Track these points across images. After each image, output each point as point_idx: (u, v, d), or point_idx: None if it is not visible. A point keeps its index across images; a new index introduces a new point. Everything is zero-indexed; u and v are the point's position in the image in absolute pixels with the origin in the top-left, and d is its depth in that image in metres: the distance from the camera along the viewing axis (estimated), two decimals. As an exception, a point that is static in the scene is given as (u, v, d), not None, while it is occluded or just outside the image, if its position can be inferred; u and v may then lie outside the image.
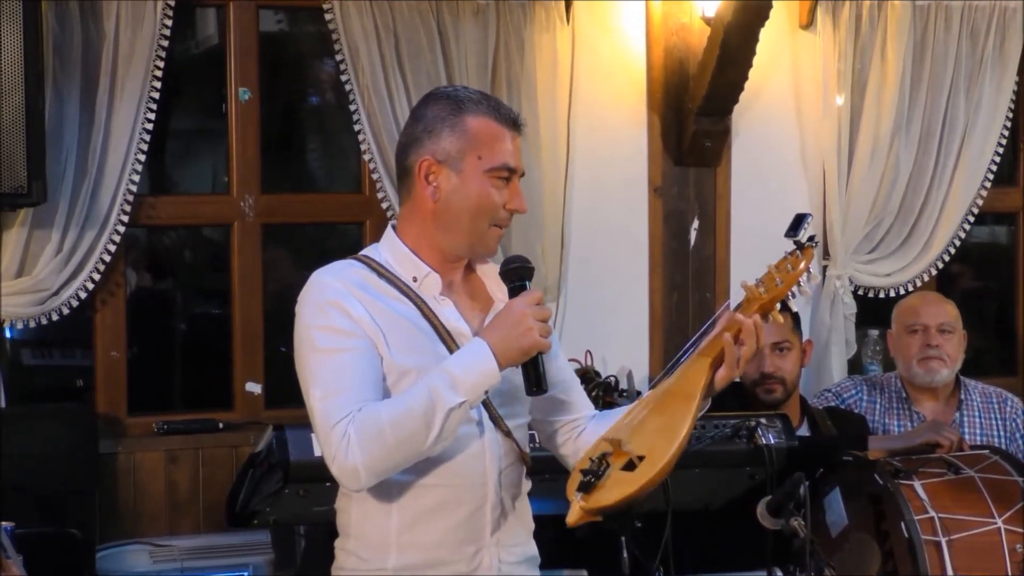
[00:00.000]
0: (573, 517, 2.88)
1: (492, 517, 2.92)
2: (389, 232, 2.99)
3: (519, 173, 2.93)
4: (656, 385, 3.02)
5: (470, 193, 2.89)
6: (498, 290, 3.00)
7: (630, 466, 2.84)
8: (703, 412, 2.95)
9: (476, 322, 2.95)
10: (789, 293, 2.91)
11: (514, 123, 2.93)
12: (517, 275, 2.90)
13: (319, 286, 2.87)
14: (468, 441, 2.88)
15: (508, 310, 2.82)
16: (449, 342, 2.88)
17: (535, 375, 2.83)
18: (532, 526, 3.06)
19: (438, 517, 2.88)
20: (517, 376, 2.88)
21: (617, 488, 2.83)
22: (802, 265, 2.90)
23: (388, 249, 2.96)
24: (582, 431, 3.08)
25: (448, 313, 2.92)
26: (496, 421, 2.92)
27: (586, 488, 2.86)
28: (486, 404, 2.89)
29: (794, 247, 2.92)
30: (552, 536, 3.31)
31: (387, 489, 2.84)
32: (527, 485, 3.03)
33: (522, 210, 2.93)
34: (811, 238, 2.92)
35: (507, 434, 2.95)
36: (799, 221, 2.94)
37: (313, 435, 3.85)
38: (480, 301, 3.00)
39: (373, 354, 2.82)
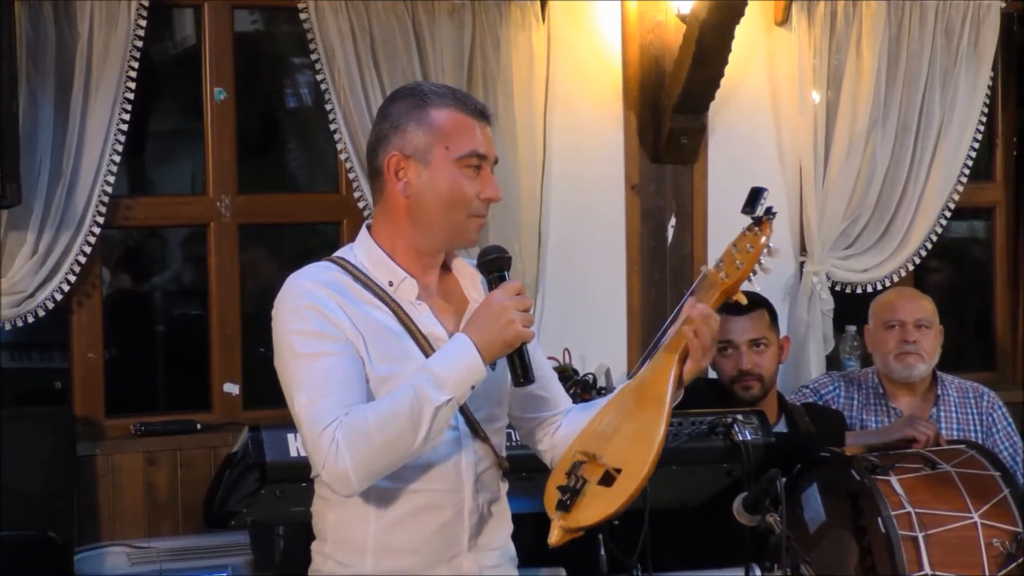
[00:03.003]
0: (555, 537, 2.87)
1: (470, 522, 2.92)
2: (363, 233, 2.97)
3: (491, 160, 2.91)
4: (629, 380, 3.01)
5: (441, 185, 2.87)
6: (473, 289, 2.99)
7: (607, 479, 2.82)
8: (676, 402, 2.94)
9: (452, 324, 2.93)
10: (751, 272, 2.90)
11: (481, 113, 2.91)
12: (495, 266, 2.89)
13: (296, 290, 2.84)
14: (445, 447, 2.87)
15: (488, 303, 2.80)
16: (426, 347, 2.86)
17: (521, 366, 2.82)
18: (511, 528, 3.05)
19: (416, 522, 2.87)
20: (494, 380, 2.88)
21: (598, 505, 2.83)
22: (762, 241, 2.89)
23: (363, 251, 2.94)
24: (559, 427, 3.08)
25: (424, 318, 2.90)
26: (473, 426, 2.91)
27: (565, 507, 2.85)
28: (463, 409, 2.87)
29: (751, 223, 2.90)
30: (529, 534, 3.31)
31: (365, 494, 2.82)
32: (504, 488, 3.02)
33: (496, 198, 2.91)
34: (769, 210, 2.90)
35: (484, 439, 2.94)
36: (756, 196, 2.91)
37: (290, 435, 3.88)
38: (455, 302, 2.98)
39: (355, 357, 2.80)
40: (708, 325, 2.88)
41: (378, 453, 2.72)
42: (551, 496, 2.88)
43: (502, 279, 2.87)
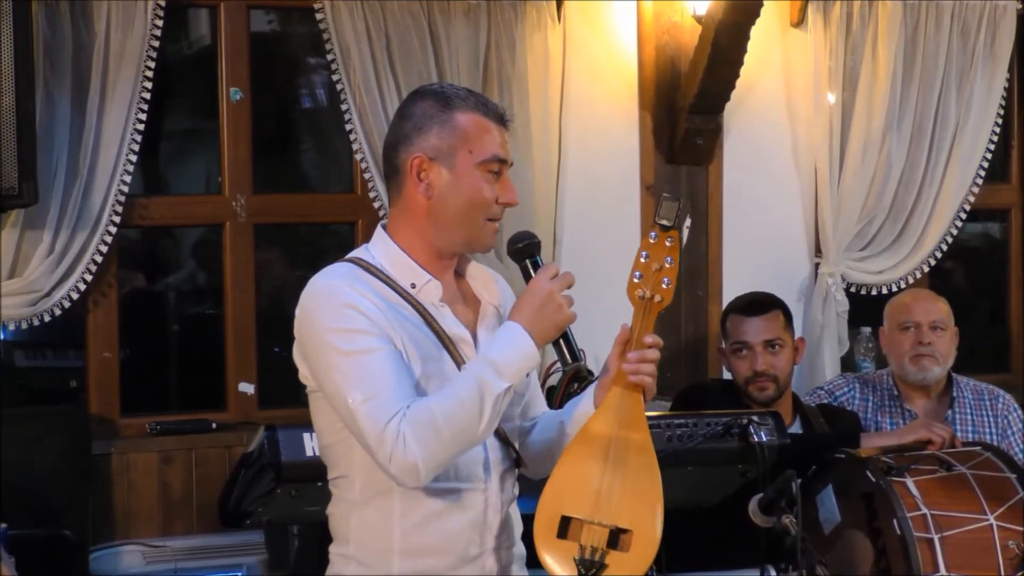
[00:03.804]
0: None
1: (495, 521, 2.92)
2: (381, 234, 2.96)
3: (509, 165, 2.93)
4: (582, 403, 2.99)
5: (463, 188, 2.88)
6: (484, 291, 3.00)
7: (614, 539, 2.80)
8: None
9: (470, 325, 2.94)
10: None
11: (501, 118, 2.93)
12: (527, 252, 2.93)
13: (331, 290, 2.83)
14: None
15: (533, 290, 2.82)
16: (452, 349, 2.87)
17: (568, 347, 2.86)
18: (522, 527, 3.05)
19: (443, 522, 2.87)
20: None
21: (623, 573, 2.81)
22: (679, 252, 2.88)
23: (382, 252, 2.93)
24: (530, 434, 3.08)
25: (447, 319, 2.90)
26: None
27: None
28: None
29: (661, 231, 2.88)
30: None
31: (390, 494, 2.83)
32: (517, 488, 3.03)
33: (514, 203, 2.93)
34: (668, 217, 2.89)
35: (504, 439, 2.95)
36: (672, 208, 2.88)
37: (305, 435, 3.88)
38: (470, 304, 2.99)
39: (400, 352, 2.80)
40: (648, 359, 2.87)
41: (446, 444, 2.72)
42: (564, 563, 2.82)
43: (536, 264, 2.91)
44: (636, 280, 2.88)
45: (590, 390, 2.97)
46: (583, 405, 2.97)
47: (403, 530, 2.85)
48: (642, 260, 2.89)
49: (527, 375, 2.83)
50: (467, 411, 2.72)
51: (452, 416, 2.72)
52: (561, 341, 2.85)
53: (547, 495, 2.86)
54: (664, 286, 2.87)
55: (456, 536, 2.88)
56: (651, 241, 2.89)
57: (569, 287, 2.83)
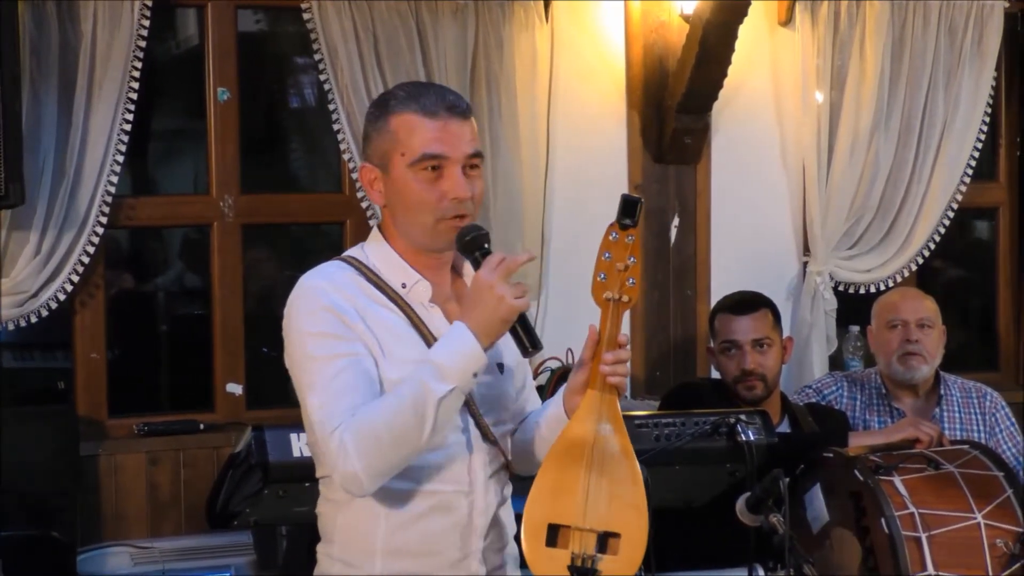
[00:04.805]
0: None
1: (480, 524, 2.91)
2: (376, 233, 2.96)
3: (456, 158, 2.84)
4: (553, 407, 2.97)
5: (402, 191, 2.85)
6: None
7: (603, 543, 2.79)
8: None
9: None
10: None
11: (449, 108, 2.84)
12: (475, 245, 2.82)
13: (311, 291, 2.83)
14: (456, 449, 2.86)
15: (475, 285, 2.75)
16: None
17: (526, 335, 2.77)
18: (515, 528, 3.03)
19: (426, 524, 2.86)
20: (502, 385, 2.90)
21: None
22: (639, 251, 2.84)
23: (376, 252, 2.93)
24: (512, 435, 3.05)
25: (437, 321, 2.89)
26: (483, 429, 2.90)
27: None
28: (473, 412, 2.88)
29: (621, 230, 2.83)
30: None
31: (375, 495, 2.81)
32: (509, 489, 3.02)
33: (462, 196, 2.83)
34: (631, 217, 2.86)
35: (494, 442, 2.94)
36: (634, 205, 2.84)
37: (293, 435, 3.89)
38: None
39: (369, 359, 2.79)
40: (623, 359, 2.85)
41: (387, 451, 2.71)
42: (557, 571, 2.78)
43: (486, 255, 2.80)
44: (601, 280, 2.83)
45: (559, 393, 2.93)
46: (555, 409, 2.94)
47: (387, 531, 2.85)
48: (604, 260, 2.83)
49: (474, 375, 2.72)
50: (407, 417, 2.69)
51: (392, 424, 2.69)
52: (517, 329, 2.76)
53: (532, 503, 2.82)
54: (630, 285, 2.84)
55: (438, 538, 2.87)
56: (611, 240, 2.84)
57: (510, 273, 2.73)
